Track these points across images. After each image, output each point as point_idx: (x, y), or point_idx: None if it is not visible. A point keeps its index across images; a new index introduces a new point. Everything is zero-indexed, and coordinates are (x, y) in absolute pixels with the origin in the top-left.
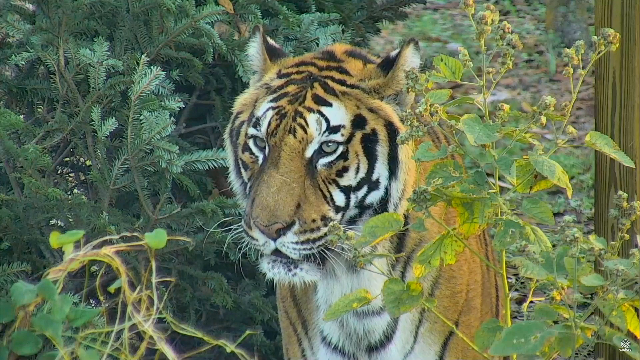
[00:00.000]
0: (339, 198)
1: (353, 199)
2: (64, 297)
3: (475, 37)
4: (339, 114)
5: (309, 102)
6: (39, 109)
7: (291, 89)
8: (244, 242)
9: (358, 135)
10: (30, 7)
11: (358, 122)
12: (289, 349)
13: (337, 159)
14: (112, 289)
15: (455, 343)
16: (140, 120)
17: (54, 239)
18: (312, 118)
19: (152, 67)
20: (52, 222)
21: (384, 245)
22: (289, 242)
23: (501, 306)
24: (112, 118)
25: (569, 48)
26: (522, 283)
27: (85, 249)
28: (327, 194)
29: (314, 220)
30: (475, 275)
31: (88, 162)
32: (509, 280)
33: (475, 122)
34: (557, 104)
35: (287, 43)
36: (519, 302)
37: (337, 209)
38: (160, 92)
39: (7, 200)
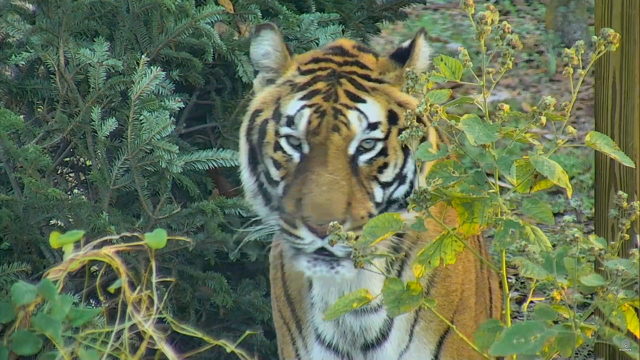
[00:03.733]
0: (378, 194)
1: (387, 194)
2: (64, 297)
3: (475, 37)
4: (374, 110)
5: (344, 99)
6: (39, 109)
7: (321, 85)
8: (265, 239)
9: (394, 130)
10: (30, 7)
11: (391, 117)
12: (283, 349)
13: (377, 155)
14: (112, 289)
15: (450, 342)
16: (140, 120)
17: (54, 239)
18: (353, 115)
19: (152, 67)
20: (52, 222)
21: (383, 244)
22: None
23: (495, 308)
24: (112, 118)
25: (569, 48)
26: (522, 283)
27: (85, 249)
28: (369, 190)
29: (362, 218)
30: (470, 274)
31: (88, 162)
32: (509, 280)
33: (475, 122)
34: (557, 104)
35: (287, 43)
36: (519, 302)
37: (377, 205)
38: (160, 92)
39: (7, 200)
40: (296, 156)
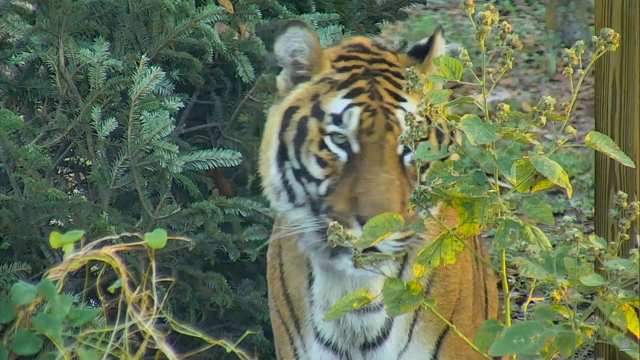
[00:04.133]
0: None
1: None
2: (64, 297)
3: (475, 37)
4: (414, 109)
5: (388, 98)
6: (39, 109)
7: (362, 84)
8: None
9: (433, 130)
10: (30, 7)
11: (427, 117)
12: (281, 349)
13: None
14: (112, 289)
15: (448, 342)
16: (140, 120)
17: (54, 239)
18: (400, 114)
19: (152, 67)
20: (52, 222)
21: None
22: (391, 240)
23: (491, 309)
24: (112, 118)
25: (569, 48)
26: (522, 283)
27: (85, 249)
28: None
29: (412, 217)
30: (468, 274)
31: (88, 162)
32: (509, 280)
33: (475, 122)
34: (557, 104)
35: None
36: (519, 302)
37: None
38: (160, 92)
39: (7, 200)
40: (343, 155)
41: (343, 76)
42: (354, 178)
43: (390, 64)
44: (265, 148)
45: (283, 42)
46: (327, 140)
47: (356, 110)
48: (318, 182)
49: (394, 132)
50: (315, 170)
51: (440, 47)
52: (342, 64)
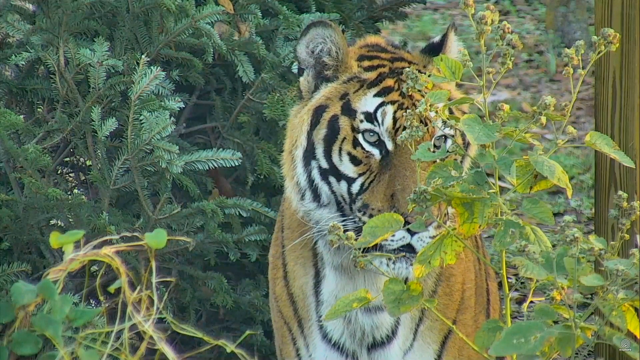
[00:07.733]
0: None
1: None
2: (64, 297)
3: (475, 37)
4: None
5: (417, 96)
6: (39, 109)
7: (390, 82)
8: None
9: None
10: (30, 7)
11: (451, 113)
12: (282, 349)
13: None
14: (112, 289)
15: (453, 342)
16: (140, 120)
17: (54, 239)
18: (431, 112)
19: (152, 67)
20: (52, 222)
21: None
22: (426, 237)
23: (493, 310)
24: (112, 118)
25: (569, 48)
26: (522, 283)
27: (85, 249)
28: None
29: (446, 214)
30: (470, 274)
31: (88, 162)
32: (509, 280)
33: (475, 122)
34: (557, 104)
35: (287, 43)
36: (519, 302)
37: None
38: (160, 92)
39: (7, 200)
40: (376, 152)
41: (370, 75)
42: (391, 175)
43: (410, 62)
44: (291, 147)
45: (305, 44)
46: (360, 137)
47: (389, 109)
48: (350, 180)
49: (428, 130)
50: (348, 168)
51: (454, 45)
52: (366, 63)
